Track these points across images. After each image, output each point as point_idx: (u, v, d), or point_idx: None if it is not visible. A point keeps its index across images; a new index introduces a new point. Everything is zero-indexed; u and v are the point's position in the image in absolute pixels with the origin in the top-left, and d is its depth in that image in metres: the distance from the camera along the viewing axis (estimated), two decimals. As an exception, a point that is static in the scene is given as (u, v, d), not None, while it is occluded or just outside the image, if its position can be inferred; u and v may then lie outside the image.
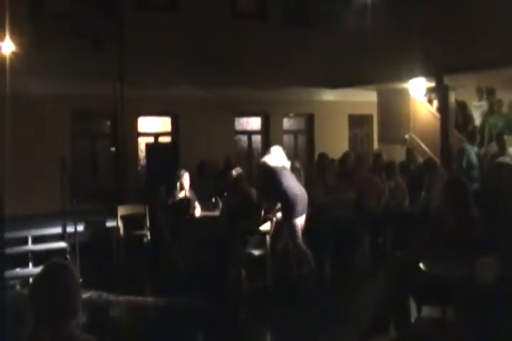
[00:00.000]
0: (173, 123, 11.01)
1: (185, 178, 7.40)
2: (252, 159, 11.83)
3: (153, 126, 11.09)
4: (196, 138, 10.45)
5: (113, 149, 9.85)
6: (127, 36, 8.93)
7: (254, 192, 6.97)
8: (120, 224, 7.62)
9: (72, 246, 6.85)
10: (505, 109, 10.91)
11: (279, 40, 10.76)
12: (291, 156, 11.83)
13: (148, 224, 7.86)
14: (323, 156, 8.55)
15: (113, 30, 8.80)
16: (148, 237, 7.78)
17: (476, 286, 3.14)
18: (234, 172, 6.92)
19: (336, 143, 11.84)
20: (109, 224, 7.99)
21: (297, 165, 8.56)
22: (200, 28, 9.99)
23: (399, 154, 10.70)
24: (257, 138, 12.27)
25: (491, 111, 10.60)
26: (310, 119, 12.77)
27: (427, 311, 4.34)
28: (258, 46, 10.53)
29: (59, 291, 2.15)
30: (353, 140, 13.24)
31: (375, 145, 12.62)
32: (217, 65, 10.06)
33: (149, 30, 9.40)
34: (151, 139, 10.84)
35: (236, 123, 11.87)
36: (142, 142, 10.62)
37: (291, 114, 12.77)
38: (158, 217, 7.70)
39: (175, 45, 9.66)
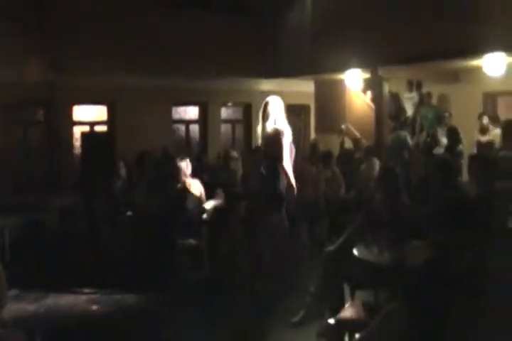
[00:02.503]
0: (109, 112, 10.82)
1: (122, 168, 7.32)
2: (190, 148, 11.79)
3: (89, 114, 10.86)
4: (133, 127, 10.31)
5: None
6: (62, 23, 8.70)
7: (196, 181, 6.97)
8: (55, 215, 7.45)
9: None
10: (435, 102, 11.33)
11: (218, 30, 10.71)
12: (228, 146, 11.94)
13: (84, 215, 7.72)
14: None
15: (47, 17, 8.55)
16: (85, 229, 7.64)
17: (406, 269, 3.28)
18: (179, 160, 6.89)
19: (273, 133, 11.92)
20: (43, 216, 7.78)
21: (235, 154, 8.61)
22: (137, 16, 9.81)
23: (335, 144, 10.93)
24: (194, 128, 12.24)
25: (421, 103, 10.98)
26: (248, 109, 12.82)
27: (360, 295, 4.48)
28: (197, 35, 10.45)
29: None
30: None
31: (312, 134, 12.81)
32: (154, 54, 9.93)
33: (85, 16, 9.17)
34: (86, 128, 10.62)
35: (173, 112, 11.78)
36: (78, 131, 10.39)
37: (229, 104, 12.78)
38: (95, 207, 7.57)
39: (112, 32, 9.45)
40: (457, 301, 2.55)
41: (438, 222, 2.81)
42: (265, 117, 5.70)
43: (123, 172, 7.31)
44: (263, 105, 5.76)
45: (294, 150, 5.83)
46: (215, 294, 5.82)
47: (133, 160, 8.23)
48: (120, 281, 6.22)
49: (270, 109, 5.70)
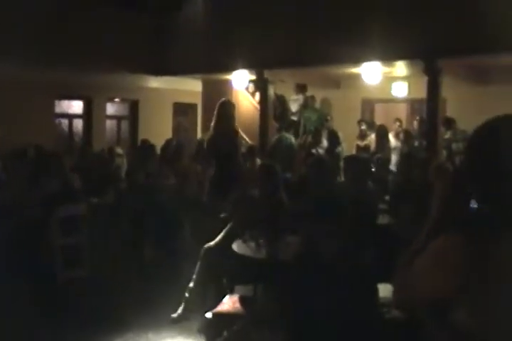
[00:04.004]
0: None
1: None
2: (72, 143, 11.44)
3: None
4: (12, 120, 9.81)
5: None
6: None
7: (73, 177, 6.79)
8: None
9: None
10: (318, 105, 11.81)
11: (107, 23, 10.48)
12: (113, 142, 11.71)
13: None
14: (145, 142, 8.57)
15: None
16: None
17: (280, 264, 3.44)
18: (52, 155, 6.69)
19: (159, 130, 11.87)
20: None
21: (119, 151, 8.50)
22: (26, 4, 9.34)
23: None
24: (78, 123, 11.88)
25: (306, 105, 11.42)
26: (134, 105, 12.65)
27: (240, 290, 4.59)
28: (85, 28, 10.16)
29: None
30: (176, 128, 13.37)
31: (199, 133, 12.89)
32: (38, 44, 9.53)
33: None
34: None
35: (56, 105, 11.36)
36: None
37: (115, 99, 12.53)
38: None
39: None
40: (325, 292, 2.72)
41: (311, 218, 2.98)
42: (222, 117, 6.07)
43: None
44: (219, 105, 6.11)
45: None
46: (88, 294, 5.66)
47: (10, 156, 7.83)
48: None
49: (226, 109, 6.10)
